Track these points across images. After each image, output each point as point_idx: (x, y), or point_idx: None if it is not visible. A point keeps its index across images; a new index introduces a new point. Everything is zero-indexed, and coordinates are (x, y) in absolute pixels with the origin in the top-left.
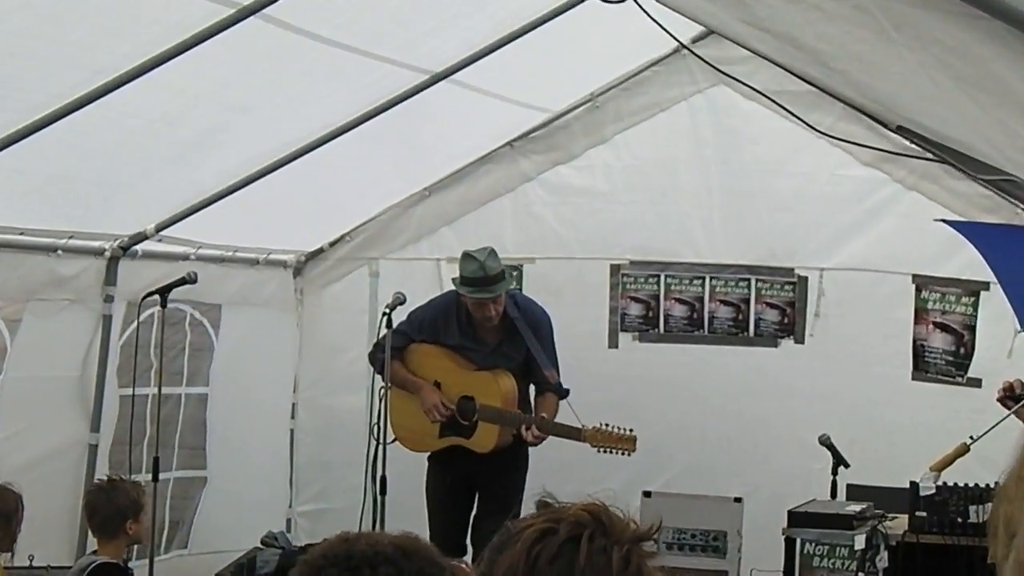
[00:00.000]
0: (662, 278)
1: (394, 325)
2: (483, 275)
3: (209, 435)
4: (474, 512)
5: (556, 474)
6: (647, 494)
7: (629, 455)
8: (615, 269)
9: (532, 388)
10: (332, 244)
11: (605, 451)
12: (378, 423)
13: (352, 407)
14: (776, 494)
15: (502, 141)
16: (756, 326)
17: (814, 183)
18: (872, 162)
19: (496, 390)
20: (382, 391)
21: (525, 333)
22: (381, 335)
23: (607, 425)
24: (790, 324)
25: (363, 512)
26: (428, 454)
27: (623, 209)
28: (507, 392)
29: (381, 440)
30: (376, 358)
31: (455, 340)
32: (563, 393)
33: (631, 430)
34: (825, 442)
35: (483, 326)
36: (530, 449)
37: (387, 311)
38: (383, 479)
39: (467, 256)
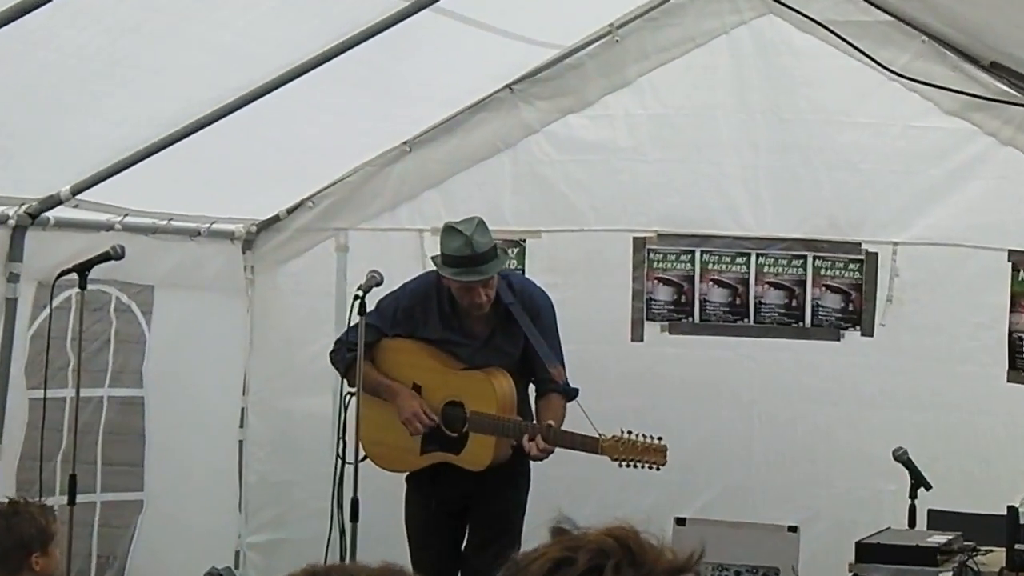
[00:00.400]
0: (697, 255)
1: (367, 308)
2: (471, 252)
3: (148, 449)
4: (465, 542)
5: (565, 496)
6: (680, 521)
7: (658, 469)
8: (640, 244)
9: (532, 391)
10: (290, 211)
11: (628, 465)
12: (343, 437)
13: (315, 413)
14: (840, 522)
15: (500, 84)
16: (813, 314)
17: (885, 137)
18: (958, 110)
19: (489, 393)
20: (348, 398)
21: (523, 321)
22: (352, 325)
23: (629, 433)
24: (856, 312)
25: (329, 543)
26: (407, 474)
27: (649, 169)
28: (504, 395)
29: (348, 458)
30: (340, 358)
31: (437, 333)
32: (571, 394)
33: (660, 438)
34: (901, 458)
35: (471, 315)
36: (531, 464)
37: (359, 294)
38: (354, 503)
39: (450, 229)
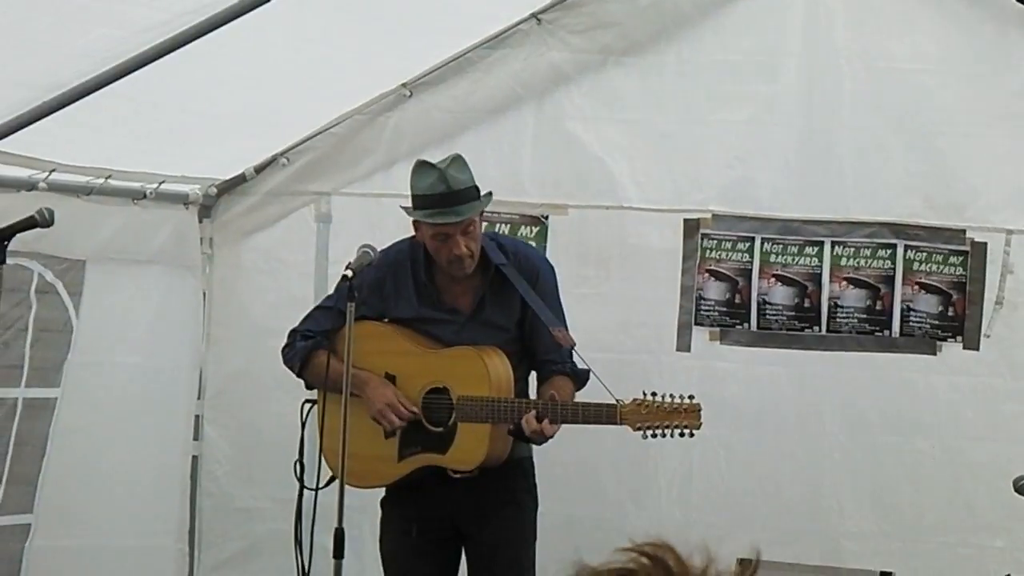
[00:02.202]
0: (757, 243)
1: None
2: (444, 189)
3: (47, 462)
4: (475, 570)
5: (582, 536)
6: (743, 563)
7: (692, 435)
8: (693, 227)
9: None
10: (259, 170)
11: (654, 434)
12: (300, 458)
13: (289, 422)
14: (944, 569)
15: (525, 12)
16: (903, 321)
17: (1000, 92)
18: None
19: (480, 372)
20: (309, 408)
21: (518, 284)
22: (309, 312)
23: (653, 395)
24: (957, 318)
25: None
26: (381, 496)
27: (706, 133)
28: (499, 375)
29: (315, 482)
30: (292, 352)
31: (412, 310)
32: (581, 376)
33: (691, 397)
34: None
35: (452, 286)
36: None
37: (348, 275)
38: (338, 535)
39: (421, 164)
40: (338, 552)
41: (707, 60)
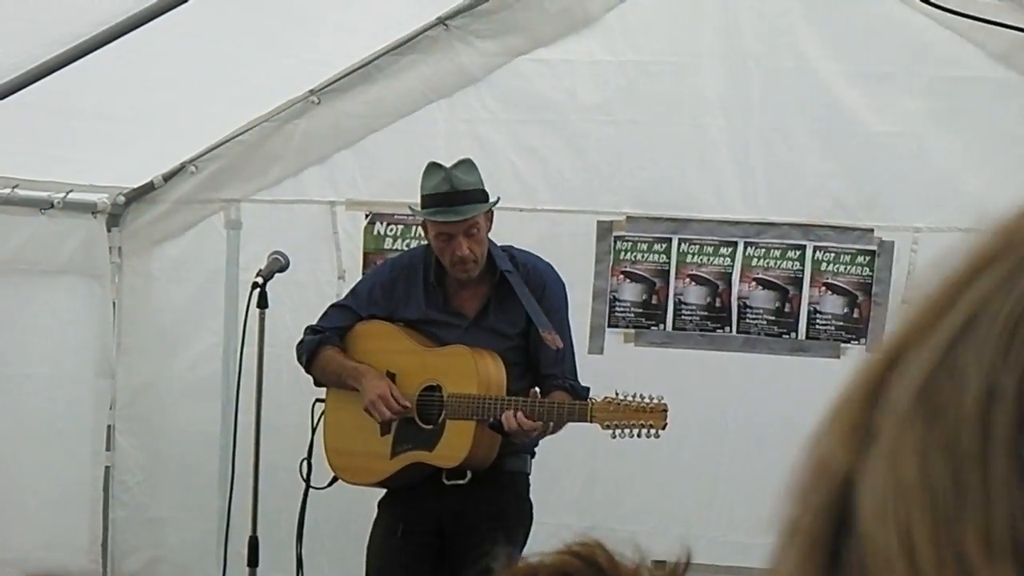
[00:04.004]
0: (674, 243)
1: (268, 301)
2: (448, 189)
3: None
4: None
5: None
6: (658, 565)
7: (657, 436)
8: (605, 229)
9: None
10: (168, 178)
11: (622, 433)
12: (308, 457)
13: (200, 430)
14: None
15: (431, 17)
16: (810, 323)
17: (909, 91)
18: (1007, 54)
19: (470, 370)
20: (318, 404)
21: (520, 291)
22: (325, 311)
23: (621, 395)
24: (862, 319)
25: None
26: (380, 496)
27: (619, 134)
28: (488, 374)
29: (314, 481)
30: (304, 346)
31: (419, 312)
32: (580, 394)
33: (660, 397)
34: None
35: (460, 291)
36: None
37: (259, 282)
38: (252, 544)
39: (430, 166)
40: (252, 560)
41: (618, 60)
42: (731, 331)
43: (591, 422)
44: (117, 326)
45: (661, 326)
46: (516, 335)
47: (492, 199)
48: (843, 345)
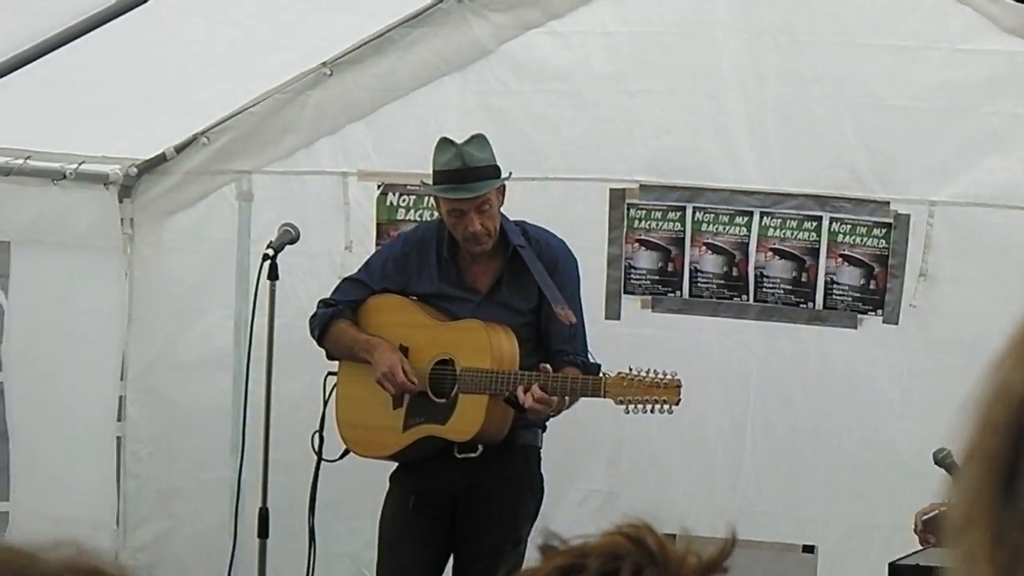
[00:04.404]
0: (688, 212)
1: (279, 271)
2: (460, 165)
3: (13, 449)
4: (453, 561)
5: None
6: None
7: (671, 411)
8: (618, 197)
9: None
10: (180, 149)
11: (635, 408)
12: (320, 430)
13: (211, 403)
14: (865, 540)
15: None
16: (826, 293)
17: (924, 64)
18: (1021, 27)
19: (483, 344)
20: (329, 378)
21: (533, 266)
22: (338, 284)
23: (635, 370)
24: (878, 291)
25: (231, 568)
26: (391, 470)
27: (632, 103)
28: (501, 348)
29: (325, 454)
30: (316, 320)
31: (432, 286)
32: (591, 370)
33: (673, 373)
34: (943, 461)
35: (472, 266)
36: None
37: (269, 254)
38: (263, 515)
39: (442, 141)
40: (263, 532)
41: (629, 31)
42: (748, 299)
43: (604, 397)
44: (129, 297)
45: (678, 293)
46: (528, 311)
47: (504, 174)
48: (860, 316)
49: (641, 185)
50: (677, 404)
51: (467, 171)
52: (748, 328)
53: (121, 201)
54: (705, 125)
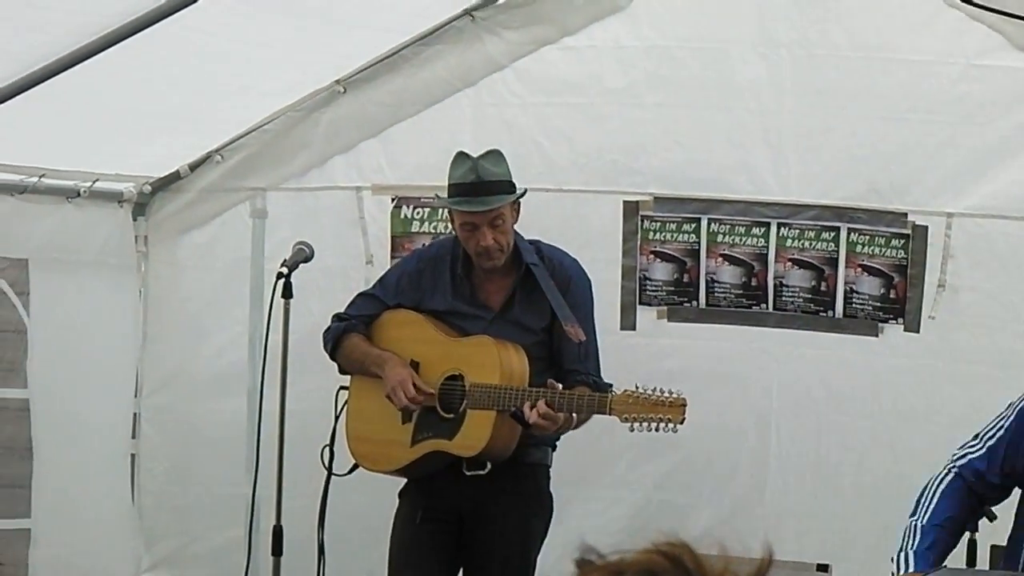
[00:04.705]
0: (704, 224)
1: (293, 290)
2: (474, 179)
3: (37, 464)
4: (469, 571)
5: None
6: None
7: (675, 430)
8: (632, 209)
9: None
10: (194, 167)
11: (640, 427)
12: (331, 444)
13: (226, 420)
14: (879, 559)
15: (459, 8)
16: (846, 302)
17: (940, 80)
18: None
19: (492, 360)
20: (341, 392)
21: (545, 284)
22: (353, 299)
23: (641, 388)
24: (899, 300)
25: None
26: (400, 487)
27: (645, 117)
28: (511, 365)
29: (335, 468)
30: (329, 333)
31: (445, 303)
32: (603, 389)
33: (679, 392)
34: None
35: (486, 283)
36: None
37: (284, 272)
38: (276, 533)
39: (458, 155)
40: (276, 550)
41: (644, 46)
42: (767, 308)
43: (610, 414)
44: (143, 315)
45: (694, 303)
46: (541, 330)
47: (519, 190)
48: (881, 324)
49: (655, 197)
50: (681, 423)
51: (481, 185)
52: (768, 336)
53: (135, 219)
54: (720, 138)
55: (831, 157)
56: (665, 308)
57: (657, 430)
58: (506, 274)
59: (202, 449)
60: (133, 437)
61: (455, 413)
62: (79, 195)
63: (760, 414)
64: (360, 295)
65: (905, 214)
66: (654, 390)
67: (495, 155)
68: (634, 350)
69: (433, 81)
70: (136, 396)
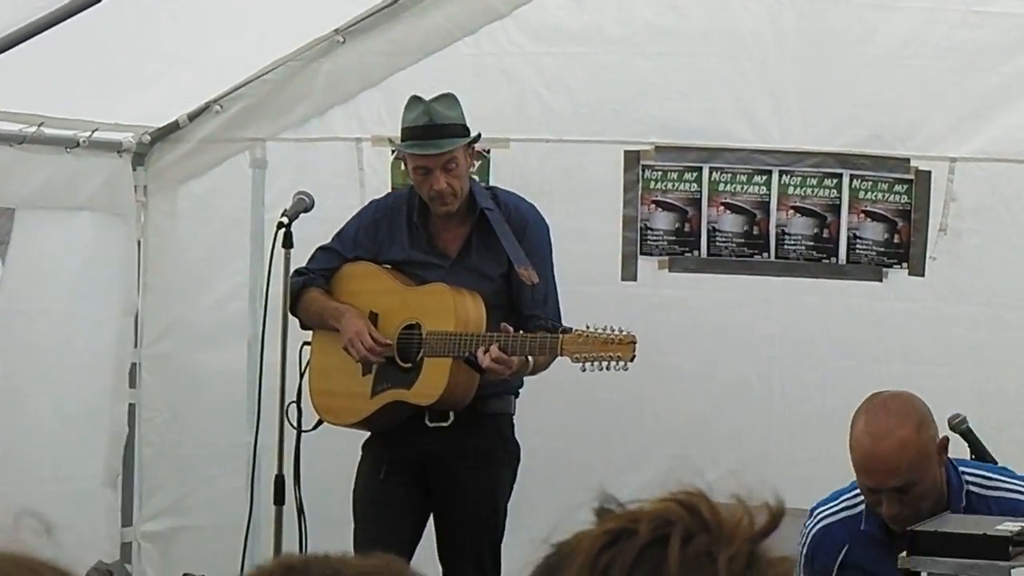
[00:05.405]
0: (705, 172)
1: (294, 240)
2: (427, 122)
3: None
4: (439, 525)
5: (540, 476)
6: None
7: (626, 368)
8: (633, 158)
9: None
10: (193, 117)
11: (592, 366)
12: (298, 401)
13: (226, 369)
14: None
15: None
16: (849, 248)
17: (942, 25)
18: None
19: (447, 307)
20: (305, 348)
21: (499, 229)
22: (313, 252)
23: (590, 327)
24: (902, 245)
25: (248, 534)
26: (364, 440)
27: (646, 65)
28: (466, 311)
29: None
30: (291, 290)
31: (403, 253)
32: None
33: (628, 330)
34: (958, 427)
35: (443, 231)
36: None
37: (284, 222)
38: (279, 482)
39: (411, 100)
40: (279, 498)
41: None
42: (769, 256)
43: (561, 355)
44: (143, 265)
45: (695, 252)
46: (499, 276)
47: (474, 134)
48: (885, 269)
49: (656, 146)
50: (631, 360)
51: (433, 128)
52: (770, 284)
53: (135, 169)
54: (721, 86)
55: (832, 104)
56: (666, 258)
57: (608, 368)
58: (462, 221)
59: (202, 399)
60: (132, 387)
61: (413, 363)
62: (78, 145)
63: (763, 363)
64: (319, 249)
65: (908, 160)
66: (604, 328)
67: (449, 98)
68: (635, 301)
69: (433, 30)
70: (136, 346)
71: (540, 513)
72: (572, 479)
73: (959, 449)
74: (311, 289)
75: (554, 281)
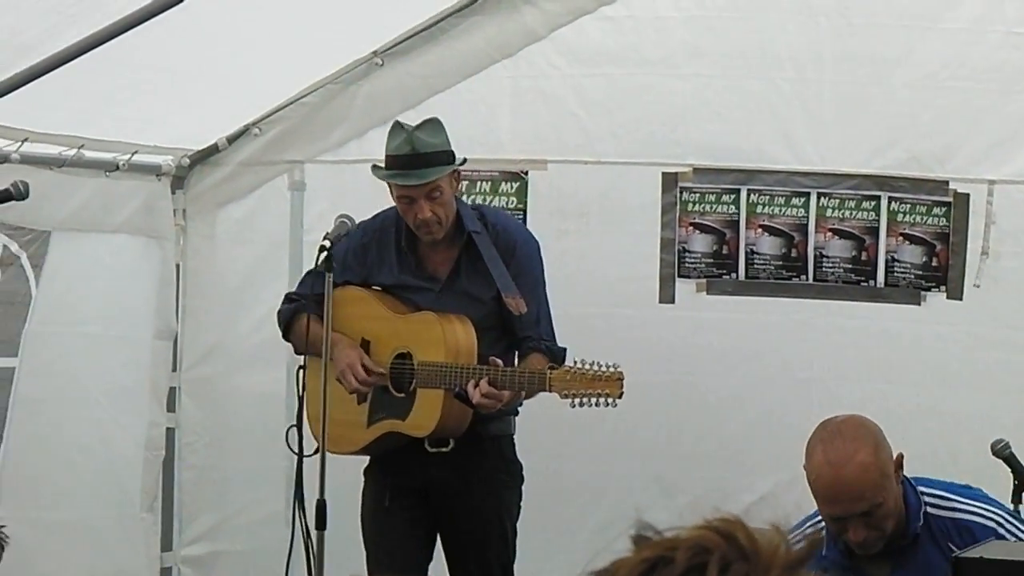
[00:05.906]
0: (743, 194)
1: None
2: (409, 151)
3: (7, 433)
4: (447, 548)
5: (570, 499)
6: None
7: (614, 404)
8: (671, 180)
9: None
10: (232, 140)
11: (580, 403)
12: (298, 424)
13: (265, 392)
14: None
15: None
16: (888, 271)
17: (981, 47)
18: None
19: (436, 337)
20: (300, 372)
21: (486, 252)
22: (302, 277)
23: (578, 363)
24: (941, 268)
25: (290, 557)
26: (365, 464)
27: (684, 87)
28: (456, 340)
29: (306, 448)
30: (282, 312)
31: (392, 277)
32: (557, 355)
33: (615, 365)
34: (1002, 452)
35: (432, 254)
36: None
37: (326, 245)
38: (320, 507)
39: (394, 126)
40: (320, 523)
41: (682, 16)
42: (807, 279)
43: (550, 391)
44: (181, 288)
45: (733, 275)
46: (491, 299)
47: (459, 160)
48: (923, 292)
49: (694, 168)
50: (620, 397)
51: (416, 157)
52: (808, 307)
53: (173, 192)
54: (759, 108)
55: (871, 126)
56: (704, 281)
57: (597, 405)
58: (450, 244)
59: (242, 422)
60: (171, 411)
61: (406, 392)
62: (117, 168)
63: (801, 387)
64: (308, 273)
65: (946, 182)
66: (592, 364)
67: (432, 124)
68: (673, 324)
69: (471, 52)
70: (175, 370)
71: (577, 538)
72: (608, 503)
73: (1000, 474)
74: (303, 315)
75: (546, 300)
